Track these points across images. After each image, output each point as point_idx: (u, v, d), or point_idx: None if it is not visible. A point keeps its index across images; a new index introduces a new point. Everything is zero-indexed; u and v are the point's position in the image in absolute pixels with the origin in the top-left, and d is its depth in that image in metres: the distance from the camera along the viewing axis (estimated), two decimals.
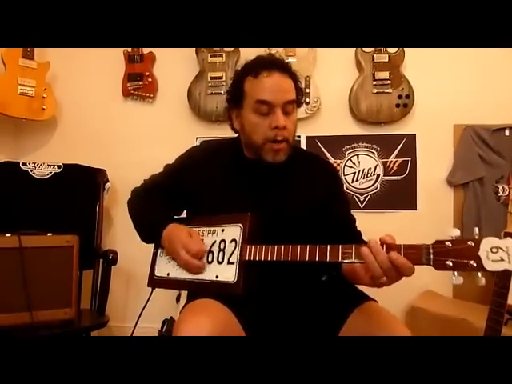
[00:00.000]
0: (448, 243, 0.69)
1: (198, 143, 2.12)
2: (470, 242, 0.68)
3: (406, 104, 1.97)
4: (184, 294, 1.18)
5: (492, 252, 0.65)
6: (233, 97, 1.10)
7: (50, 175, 1.93)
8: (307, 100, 2.02)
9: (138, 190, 1.22)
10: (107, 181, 2.03)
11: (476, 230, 0.69)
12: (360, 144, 2.07)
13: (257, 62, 1.08)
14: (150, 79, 2.15)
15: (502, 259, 0.64)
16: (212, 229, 1.01)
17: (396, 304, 1.89)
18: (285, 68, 1.05)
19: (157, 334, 1.90)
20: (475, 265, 0.66)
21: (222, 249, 0.97)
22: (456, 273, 0.69)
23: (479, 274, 0.67)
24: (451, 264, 0.68)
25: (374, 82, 1.98)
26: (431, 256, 0.71)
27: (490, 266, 0.65)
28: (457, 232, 0.70)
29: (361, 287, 1.00)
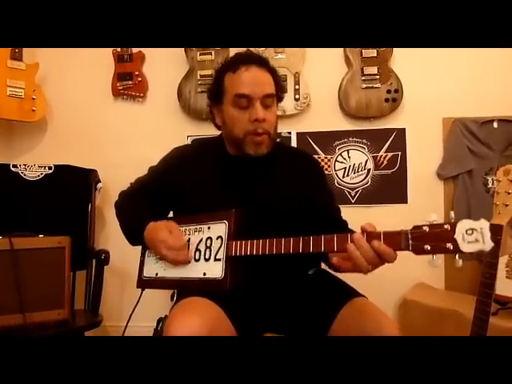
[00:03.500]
0: (425, 228, 0.71)
1: (189, 141, 2.12)
2: (446, 226, 0.69)
3: (394, 98, 1.98)
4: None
5: (467, 234, 0.67)
6: (213, 93, 1.12)
7: (40, 176, 1.93)
8: (297, 96, 2.02)
9: (125, 193, 1.24)
10: (99, 181, 2.03)
11: (452, 213, 0.71)
12: (350, 139, 2.08)
13: (235, 58, 1.11)
14: (139, 78, 2.15)
15: (476, 240, 0.66)
16: (198, 227, 1.03)
17: (389, 296, 1.91)
18: (263, 62, 1.08)
19: (152, 333, 1.90)
20: (452, 247, 0.68)
21: (208, 246, 0.98)
22: (434, 256, 0.71)
23: (457, 256, 0.69)
24: (429, 248, 0.70)
25: (363, 77, 1.99)
26: (410, 241, 0.72)
27: (466, 248, 0.67)
28: (434, 217, 0.72)
29: (353, 277, 1.00)
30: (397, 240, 0.74)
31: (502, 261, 1.57)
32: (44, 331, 1.41)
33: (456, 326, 1.54)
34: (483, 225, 0.66)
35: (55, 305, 1.48)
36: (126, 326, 1.19)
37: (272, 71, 1.09)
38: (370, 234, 0.77)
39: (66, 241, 1.53)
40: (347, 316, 0.95)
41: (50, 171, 1.94)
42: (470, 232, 0.66)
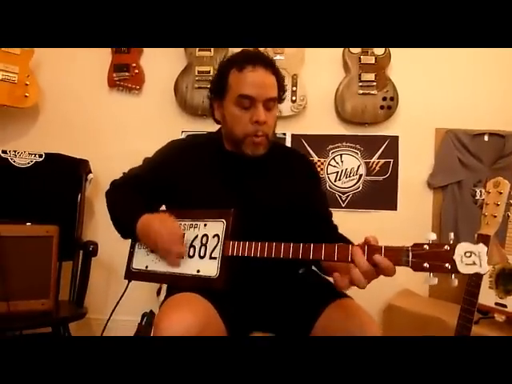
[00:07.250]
0: (426, 246, 0.73)
1: (183, 136, 2.11)
2: (446, 247, 0.71)
3: (390, 106, 2.01)
4: (165, 287, 1.18)
5: (466, 256, 0.69)
6: (216, 88, 1.10)
7: (30, 164, 1.90)
8: (293, 98, 2.03)
9: (117, 182, 1.22)
10: (90, 171, 2.00)
11: (451, 235, 0.73)
12: (344, 144, 2.10)
13: (242, 55, 1.09)
14: (136, 70, 2.13)
15: (474, 263, 0.68)
16: (194, 223, 1.01)
17: (374, 302, 1.92)
18: (269, 64, 1.06)
19: (136, 327, 1.90)
20: (450, 267, 0.70)
21: (204, 243, 0.98)
22: (431, 274, 0.72)
23: (453, 275, 0.71)
24: (428, 266, 0.72)
25: (360, 83, 2.01)
26: (410, 258, 0.74)
27: (464, 269, 0.69)
28: (433, 236, 0.73)
29: None
30: (398, 256, 0.75)
31: None
32: (28, 321, 1.40)
33: (439, 333, 1.57)
34: (481, 249, 0.68)
35: (40, 294, 1.47)
36: (109, 319, 1.18)
37: (277, 73, 1.08)
38: (372, 248, 0.78)
39: (53, 230, 1.51)
40: (332, 315, 0.96)
41: (41, 159, 1.91)
42: (468, 254, 0.69)
